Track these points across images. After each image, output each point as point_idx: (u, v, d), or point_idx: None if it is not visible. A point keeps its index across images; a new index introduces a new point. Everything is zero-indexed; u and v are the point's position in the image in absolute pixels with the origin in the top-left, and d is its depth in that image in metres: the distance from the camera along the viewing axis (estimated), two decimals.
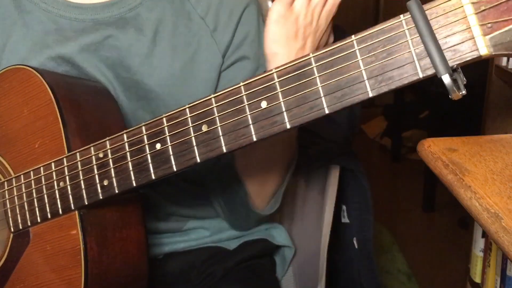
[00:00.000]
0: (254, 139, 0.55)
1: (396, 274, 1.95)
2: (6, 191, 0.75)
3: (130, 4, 0.82)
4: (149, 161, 0.62)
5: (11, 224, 0.75)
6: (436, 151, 0.64)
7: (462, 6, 0.45)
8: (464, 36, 0.45)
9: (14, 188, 0.74)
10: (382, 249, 2.06)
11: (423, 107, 2.89)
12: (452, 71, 0.46)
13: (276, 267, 1.09)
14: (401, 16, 0.48)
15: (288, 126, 0.53)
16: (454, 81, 0.46)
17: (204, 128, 0.58)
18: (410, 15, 0.47)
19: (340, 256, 1.18)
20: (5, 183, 0.75)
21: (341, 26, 1.32)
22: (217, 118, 0.57)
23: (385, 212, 2.34)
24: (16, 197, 0.74)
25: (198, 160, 0.59)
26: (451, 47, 0.46)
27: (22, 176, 0.72)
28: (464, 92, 0.47)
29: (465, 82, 0.48)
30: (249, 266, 1.01)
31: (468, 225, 2.10)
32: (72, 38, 0.81)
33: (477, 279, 1.04)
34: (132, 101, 0.84)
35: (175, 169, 0.60)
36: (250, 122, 0.55)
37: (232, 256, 1.01)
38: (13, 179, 0.74)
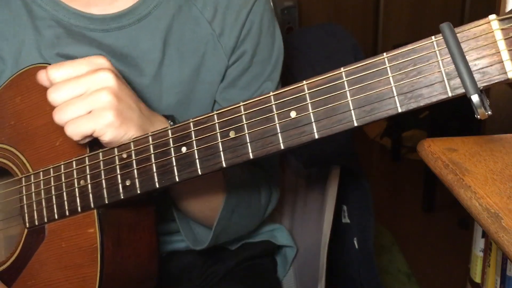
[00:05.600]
0: (282, 147, 0.57)
1: (396, 274, 1.95)
2: (24, 187, 0.75)
3: (140, 14, 0.82)
4: (174, 163, 0.63)
5: (26, 220, 0.75)
6: (436, 151, 0.65)
7: (493, 32, 0.48)
8: (493, 60, 0.48)
9: (32, 184, 0.74)
10: (382, 249, 2.06)
11: (423, 107, 2.89)
12: (480, 91, 0.49)
13: (277, 267, 1.10)
14: (433, 37, 0.50)
15: (317, 136, 0.55)
16: (481, 101, 0.49)
17: (232, 134, 0.59)
18: (441, 37, 0.49)
19: (340, 256, 1.19)
20: (23, 179, 0.75)
21: (342, 25, 1.35)
22: (245, 125, 0.59)
23: (385, 212, 2.33)
24: (33, 193, 0.74)
25: (224, 165, 0.60)
26: (480, 69, 0.48)
27: (41, 172, 0.73)
28: (490, 112, 0.49)
29: (489, 103, 0.51)
30: (250, 266, 1.03)
31: (468, 225, 2.11)
32: (84, 42, 0.81)
33: (477, 279, 1.04)
34: None
35: (200, 173, 0.62)
36: (279, 131, 0.57)
37: (233, 256, 1.02)
38: (32, 175, 0.74)
